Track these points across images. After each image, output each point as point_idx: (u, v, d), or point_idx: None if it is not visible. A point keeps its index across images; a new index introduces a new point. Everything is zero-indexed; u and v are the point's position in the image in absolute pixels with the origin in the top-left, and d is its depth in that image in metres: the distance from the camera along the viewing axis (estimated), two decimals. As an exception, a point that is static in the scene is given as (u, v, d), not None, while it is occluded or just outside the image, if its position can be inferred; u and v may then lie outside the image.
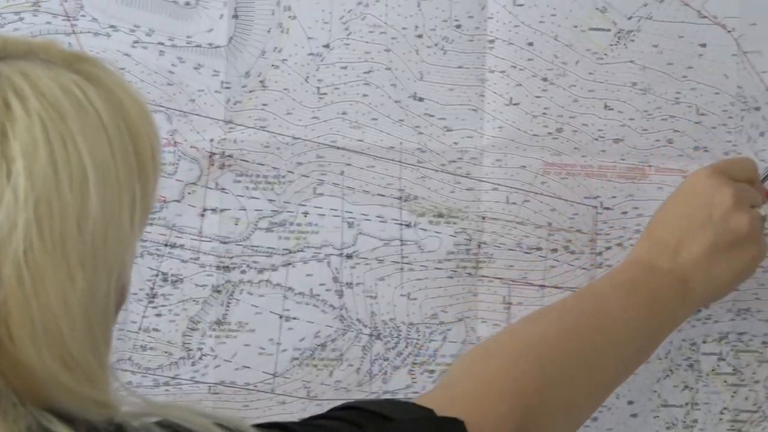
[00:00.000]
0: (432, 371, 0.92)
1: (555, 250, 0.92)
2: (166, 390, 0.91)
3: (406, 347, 0.92)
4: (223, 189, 0.91)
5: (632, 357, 0.81)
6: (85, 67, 0.58)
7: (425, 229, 0.92)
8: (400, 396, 0.91)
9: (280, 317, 0.91)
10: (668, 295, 0.81)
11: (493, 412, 0.70)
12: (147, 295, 0.91)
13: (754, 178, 0.86)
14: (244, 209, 0.91)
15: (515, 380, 0.72)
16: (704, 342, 0.92)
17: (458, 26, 0.91)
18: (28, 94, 0.53)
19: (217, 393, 0.91)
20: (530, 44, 0.91)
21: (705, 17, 0.92)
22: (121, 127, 0.56)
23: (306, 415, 0.91)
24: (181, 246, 0.91)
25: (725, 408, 0.93)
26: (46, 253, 0.52)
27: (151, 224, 0.90)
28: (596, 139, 0.92)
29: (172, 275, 0.91)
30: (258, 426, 0.61)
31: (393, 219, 0.91)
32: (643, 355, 0.82)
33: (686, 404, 0.93)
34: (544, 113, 0.92)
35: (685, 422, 0.93)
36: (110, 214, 0.55)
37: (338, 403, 0.90)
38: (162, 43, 0.90)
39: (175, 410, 0.58)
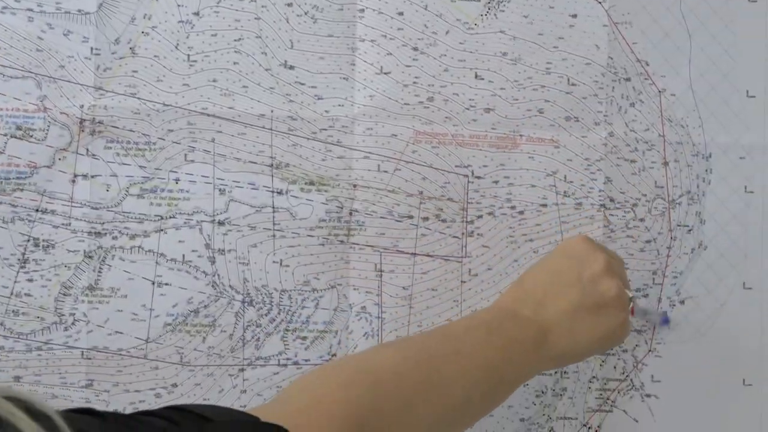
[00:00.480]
0: (304, 338, 0.93)
1: (426, 219, 0.93)
2: (39, 355, 0.91)
3: (279, 314, 0.93)
4: (94, 155, 0.91)
5: (483, 397, 0.77)
6: None
7: (297, 197, 0.92)
8: (272, 362, 0.93)
9: (153, 283, 0.92)
10: (525, 341, 0.79)
11: (322, 430, 0.67)
12: (18, 260, 0.91)
13: (624, 274, 0.87)
14: (115, 175, 0.91)
15: (348, 403, 0.69)
16: (573, 309, 0.93)
17: (331, -6, 0.91)
18: None
19: (89, 358, 0.92)
20: (400, 14, 0.91)
21: (577, -13, 0.92)
22: None
23: (178, 380, 0.92)
24: (53, 212, 0.91)
25: (594, 377, 0.95)
26: None
27: (22, 190, 0.90)
28: (467, 109, 0.93)
29: (43, 241, 0.91)
30: (69, 411, 0.58)
31: (264, 186, 0.92)
32: (496, 396, 0.79)
33: (555, 373, 0.95)
34: (414, 82, 0.92)
35: (554, 390, 0.95)
36: None
37: (211, 369, 0.92)
38: (31, 9, 0.90)
39: None
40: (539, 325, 0.80)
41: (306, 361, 0.93)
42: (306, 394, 0.71)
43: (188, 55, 0.91)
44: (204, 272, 0.92)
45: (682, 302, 0.96)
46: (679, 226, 0.96)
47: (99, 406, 0.92)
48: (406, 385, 0.73)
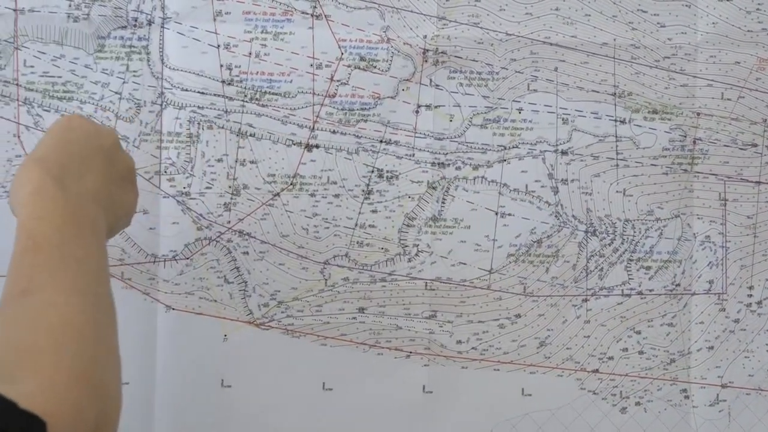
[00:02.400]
0: (648, 267, 0.92)
1: (770, 146, 0.92)
2: (383, 286, 0.91)
3: (622, 243, 0.92)
4: (437, 85, 0.91)
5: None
6: None
7: (640, 126, 0.91)
8: (615, 293, 0.91)
9: (496, 214, 0.91)
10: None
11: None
12: (363, 191, 0.91)
13: None
14: (459, 105, 0.91)
15: None
16: None
17: None
18: None
19: (433, 289, 0.91)
20: (749, -63, 0.91)
21: None
22: None
23: (521, 311, 0.91)
24: (396, 143, 0.91)
25: None
26: None
27: (366, 121, 0.90)
28: (812, 34, 0.91)
29: (387, 172, 0.91)
30: None
31: (607, 115, 0.91)
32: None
33: None
34: (758, 9, 0.91)
35: None
36: None
37: (554, 299, 0.91)
38: (378, -60, 0.90)
39: None
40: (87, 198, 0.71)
41: (650, 291, 0.92)
42: None
43: (532, -16, 0.91)
44: (547, 202, 0.91)
45: None
46: None
47: (443, 338, 0.91)
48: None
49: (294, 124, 0.90)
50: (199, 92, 0.89)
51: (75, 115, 0.77)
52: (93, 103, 0.89)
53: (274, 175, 0.90)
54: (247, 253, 0.90)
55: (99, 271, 0.68)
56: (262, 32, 0.90)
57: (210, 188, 0.90)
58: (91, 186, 0.71)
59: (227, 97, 0.90)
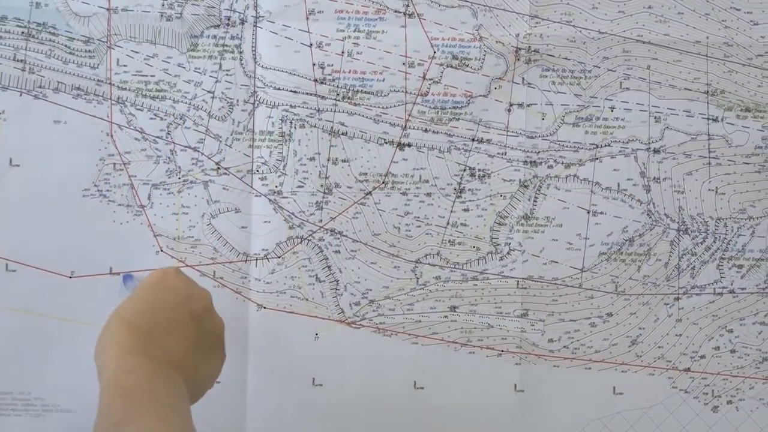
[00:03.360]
0: (740, 266, 0.91)
1: None
2: (474, 284, 0.91)
3: (714, 242, 0.91)
4: (530, 84, 0.91)
5: None
6: None
7: (733, 124, 0.91)
8: (708, 291, 0.91)
9: (588, 212, 0.91)
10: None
11: None
12: (455, 189, 0.91)
13: None
14: (551, 104, 0.91)
15: None
16: None
17: None
18: None
19: (525, 288, 0.91)
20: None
21: None
22: None
23: (613, 309, 0.91)
24: (488, 141, 0.91)
25: None
26: None
27: (458, 119, 0.90)
28: None
29: (479, 170, 0.91)
30: None
31: (700, 113, 0.91)
32: None
33: None
34: None
35: None
36: None
37: (646, 298, 0.91)
38: (470, -62, 0.90)
39: None
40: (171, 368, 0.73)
41: (742, 289, 0.91)
42: None
43: (626, -18, 0.91)
44: (639, 200, 0.91)
45: None
46: None
47: (535, 337, 0.91)
48: None
49: (386, 122, 0.90)
50: (291, 91, 0.89)
51: (171, 271, 0.79)
52: (186, 102, 0.89)
53: (366, 173, 0.90)
54: (339, 251, 0.90)
55: (186, 421, 0.69)
56: (354, 31, 0.89)
57: (302, 187, 0.90)
58: (176, 357, 0.74)
59: (319, 95, 0.89)
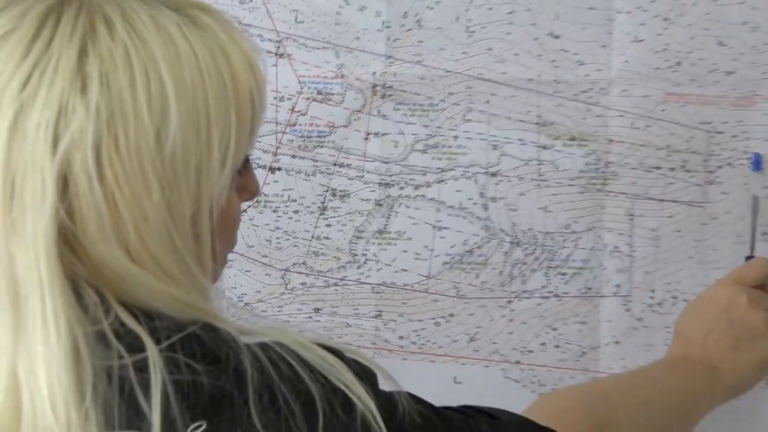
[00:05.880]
0: (564, 274, 1.06)
1: (673, 169, 1.05)
2: (335, 290, 1.05)
3: (542, 253, 1.06)
4: (385, 116, 1.04)
5: (671, 426, 0.92)
6: (195, 13, 0.63)
7: (560, 151, 1.05)
8: (536, 295, 1.06)
9: (433, 227, 1.05)
10: (700, 380, 0.92)
11: (575, 429, 0.83)
12: (318, 207, 1.05)
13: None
14: (402, 133, 1.05)
15: (588, 415, 0.85)
16: None
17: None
18: (116, 23, 0.58)
19: (379, 292, 1.06)
20: (656, -12, 1.03)
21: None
22: (222, 71, 0.61)
23: (455, 311, 1.06)
24: (348, 165, 1.05)
25: None
26: (119, 162, 0.56)
27: (322, 146, 1.04)
28: (710, 72, 1.04)
29: (340, 191, 1.05)
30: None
31: (532, 142, 1.05)
32: (684, 427, 0.93)
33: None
34: (665, 49, 1.04)
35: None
36: (196, 140, 0.59)
37: (483, 301, 1.06)
38: (331, -12, 1.03)
39: (284, 335, 0.62)
40: (707, 364, 0.92)
41: (565, 293, 1.07)
42: (560, 403, 0.89)
43: (467, 27, 1.04)
44: (478, 217, 1.05)
45: None
46: None
47: (387, 334, 1.06)
48: (628, 413, 0.88)
49: (259, 149, 1.04)
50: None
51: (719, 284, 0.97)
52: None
53: (242, 193, 1.04)
54: (219, 260, 1.05)
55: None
56: (230, 69, 1.02)
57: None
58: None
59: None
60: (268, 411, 0.58)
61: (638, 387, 0.92)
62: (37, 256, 0.56)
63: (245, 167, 0.69)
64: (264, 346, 0.60)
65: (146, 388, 0.56)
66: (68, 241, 0.57)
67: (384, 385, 0.67)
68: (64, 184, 0.56)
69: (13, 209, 0.56)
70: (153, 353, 0.57)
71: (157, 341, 0.57)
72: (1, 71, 0.57)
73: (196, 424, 0.57)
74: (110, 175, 0.56)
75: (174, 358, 0.57)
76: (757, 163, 1.03)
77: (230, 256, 1.03)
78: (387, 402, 0.65)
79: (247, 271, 1.04)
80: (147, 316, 0.59)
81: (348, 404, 0.61)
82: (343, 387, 0.61)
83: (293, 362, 0.60)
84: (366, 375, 0.65)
